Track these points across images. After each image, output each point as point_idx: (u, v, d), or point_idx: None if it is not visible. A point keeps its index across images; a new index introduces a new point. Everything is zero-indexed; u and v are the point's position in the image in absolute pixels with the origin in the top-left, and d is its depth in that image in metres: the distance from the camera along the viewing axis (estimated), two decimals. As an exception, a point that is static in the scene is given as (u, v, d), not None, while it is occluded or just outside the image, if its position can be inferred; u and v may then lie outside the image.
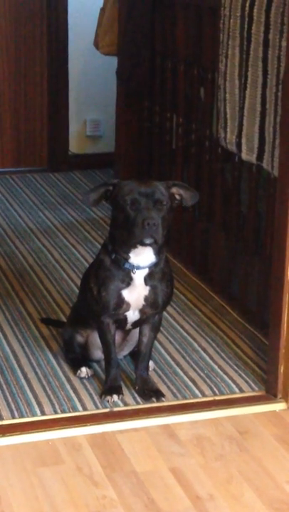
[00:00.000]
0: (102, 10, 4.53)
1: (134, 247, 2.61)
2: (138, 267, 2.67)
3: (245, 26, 3.04)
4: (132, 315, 2.76)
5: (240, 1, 3.06)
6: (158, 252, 2.67)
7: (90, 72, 5.30)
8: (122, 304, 2.71)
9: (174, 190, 2.68)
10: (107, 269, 2.69)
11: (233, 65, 3.15)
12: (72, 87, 5.33)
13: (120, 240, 2.64)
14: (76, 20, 5.18)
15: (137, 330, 2.86)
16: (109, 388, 2.79)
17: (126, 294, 2.70)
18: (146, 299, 2.72)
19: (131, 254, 2.65)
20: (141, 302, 2.72)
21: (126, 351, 2.99)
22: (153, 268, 2.69)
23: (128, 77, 4.28)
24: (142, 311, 2.75)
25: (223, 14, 3.19)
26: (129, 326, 2.81)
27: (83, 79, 5.33)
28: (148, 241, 2.56)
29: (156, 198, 2.57)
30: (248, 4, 3.01)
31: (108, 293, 2.69)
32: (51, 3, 5.17)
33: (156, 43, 4.11)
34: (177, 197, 2.68)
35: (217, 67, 3.29)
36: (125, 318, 2.76)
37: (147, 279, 2.69)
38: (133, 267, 2.67)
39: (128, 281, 2.68)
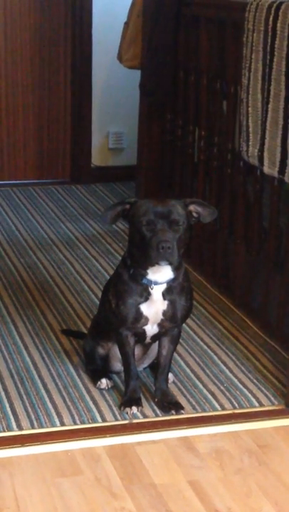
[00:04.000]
0: (126, 24, 4.56)
1: (151, 265, 2.62)
2: (156, 283, 2.67)
3: (269, 40, 3.04)
4: (151, 329, 2.76)
5: (263, 15, 3.07)
6: (176, 268, 2.67)
7: (114, 86, 5.33)
8: (140, 318, 2.71)
9: (192, 207, 2.66)
10: (125, 283, 2.70)
11: (256, 79, 3.15)
12: (96, 99, 5.36)
13: (137, 257, 2.64)
14: (100, 34, 5.22)
15: (157, 342, 2.86)
16: (128, 400, 2.80)
17: (144, 308, 2.70)
18: (164, 313, 2.72)
19: (148, 271, 2.65)
20: (159, 316, 2.72)
21: (146, 364, 2.99)
22: (171, 283, 2.69)
23: (151, 90, 4.30)
24: (160, 325, 2.75)
25: (246, 28, 3.20)
26: (148, 339, 2.81)
27: (106, 92, 5.36)
28: (162, 263, 2.57)
29: (172, 218, 2.56)
30: (271, 19, 3.02)
31: (126, 306, 2.70)
32: (76, 17, 5.21)
33: (180, 57, 4.12)
34: (195, 214, 2.67)
35: (240, 80, 3.30)
36: (144, 332, 2.77)
37: (165, 294, 2.69)
38: (151, 283, 2.67)
39: (146, 296, 2.69)
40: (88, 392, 2.90)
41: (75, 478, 2.46)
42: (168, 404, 2.80)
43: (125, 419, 2.75)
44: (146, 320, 2.72)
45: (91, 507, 2.34)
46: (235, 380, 3.01)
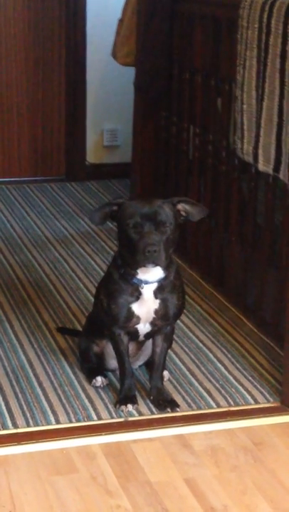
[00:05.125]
0: (120, 21, 4.55)
1: (140, 267, 2.61)
2: (146, 282, 2.66)
3: (263, 37, 3.04)
4: (143, 327, 2.76)
5: (258, 12, 3.07)
6: (166, 267, 2.66)
7: (108, 83, 5.32)
8: (131, 317, 2.71)
9: (180, 206, 2.65)
10: (116, 282, 2.69)
11: (251, 76, 3.15)
12: (90, 97, 5.36)
13: (126, 258, 2.64)
14: (94, 30, 5.22)
15: (151, 340, 2.86)
16: (124, 398, 2.79)
17: (135, 307, 2.70)
18: (156, 312, 2.72)
19: (138, 271, 2.64)
20: (151, 315, 2.72)
21: (141, 361, 2.99)
22: (162, 282, 2.68)
23: (146, 87, 4.29)
24: (152, 323, 2.75)
25: (240, 25, 3.20)
26: (141, 337, 2.81)
27: (101, 89, 5.36)
28: (150, 266, 2.56)
29: (159, 220, 2.55)
30: (265, 16, 3.02)
31: (117, 306, 2.70)
32: (70, 13, 5.20)
33: (174, 54, 4.12)
34: (183, 213, 2.66)
35: (234, 78, 3.30)
36: (136, 331, 2.77)
37: (157, 293, 2.69)
38: (141, 282, 2.66)
39: (137, 295, 2.68)
40: (83, 390, 2.90)
41: (71, 476, 2.46)
42: (163, 402, 2.80)
43: (121, 417, 2.75)
44: (138, 319, 2.72)
45: (87, 505, 2.34)
46: (231, 378, 3.01)
